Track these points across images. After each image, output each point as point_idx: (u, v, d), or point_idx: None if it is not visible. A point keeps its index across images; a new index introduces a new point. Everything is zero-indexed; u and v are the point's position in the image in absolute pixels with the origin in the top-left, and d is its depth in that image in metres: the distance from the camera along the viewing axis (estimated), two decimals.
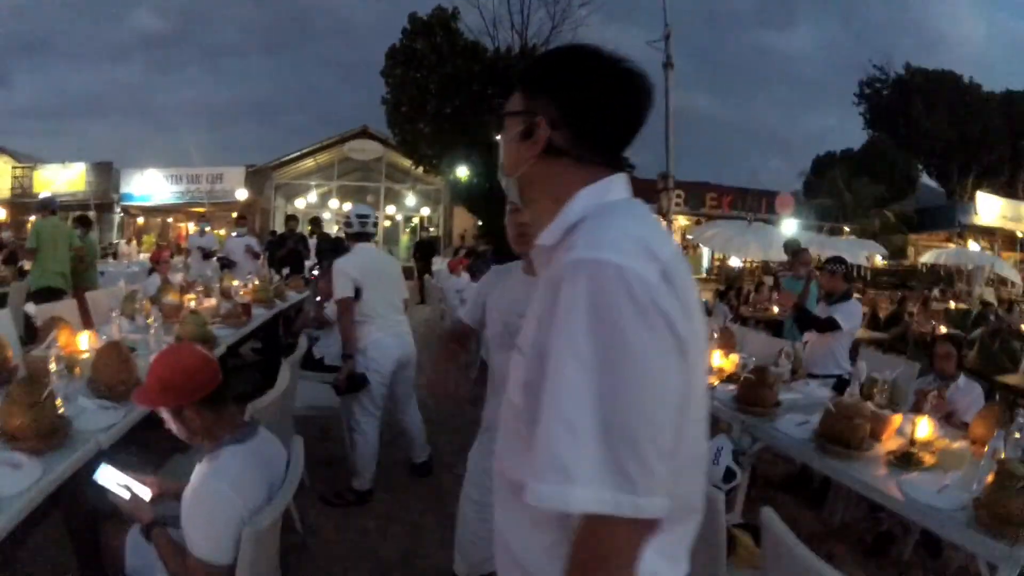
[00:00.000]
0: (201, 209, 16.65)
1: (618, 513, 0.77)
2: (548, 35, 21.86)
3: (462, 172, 19.14)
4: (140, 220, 22.26)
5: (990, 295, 12.34)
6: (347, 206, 24.11)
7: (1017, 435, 2.28)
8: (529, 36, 21.53)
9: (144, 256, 13.02)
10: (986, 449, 2.32)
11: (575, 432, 0.78)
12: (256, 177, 21.11)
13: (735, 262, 19.05)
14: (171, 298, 4.88)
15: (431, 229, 22.93)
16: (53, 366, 2.54)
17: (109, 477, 1.90)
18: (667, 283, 0.83)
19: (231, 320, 4.66)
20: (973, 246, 20.84)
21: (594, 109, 0.99)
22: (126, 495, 1.88)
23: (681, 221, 21.55)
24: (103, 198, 20.08)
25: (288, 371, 3.03)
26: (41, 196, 9.34)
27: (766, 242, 14.07)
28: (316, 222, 11.77)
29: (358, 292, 3.60)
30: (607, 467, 0.77)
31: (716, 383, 3.45)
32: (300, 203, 22.34)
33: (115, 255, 15.18)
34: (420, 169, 22.00)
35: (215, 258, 8.53)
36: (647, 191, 22.20)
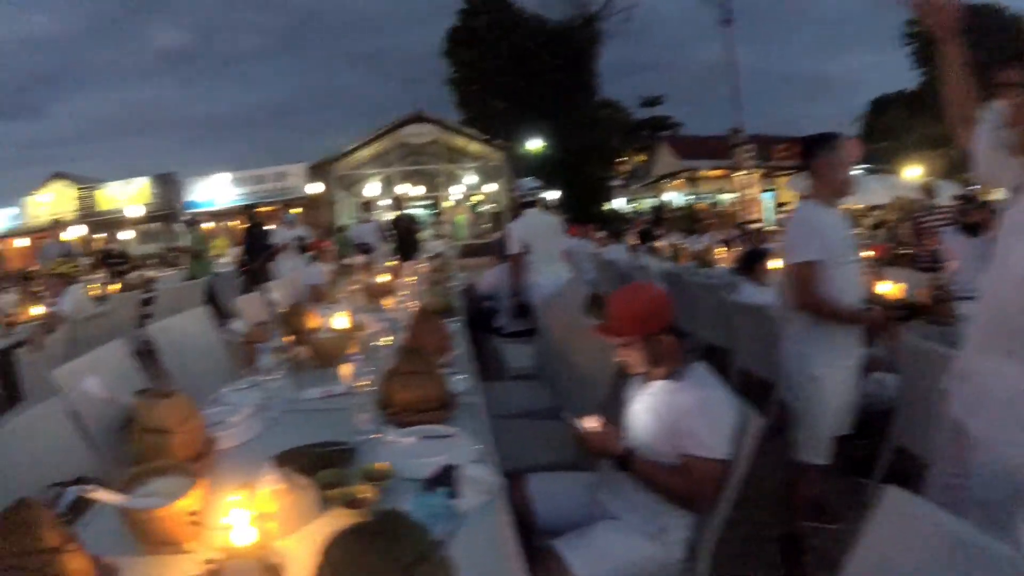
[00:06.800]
0: (271, 208, 16.98)
1: None
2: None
3: (535, 144, 19.26)
4: (208, 225, 22.75)
5: None
6: (420, 189, 24.27)
7: None
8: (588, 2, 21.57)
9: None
10: None
11: None
12: (317, 171, 21.54)
13: None
14: (377, 279, 5.25)
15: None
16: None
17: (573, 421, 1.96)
18: None
19: None
20: None
21: None
22: (596, 428, 1.92)
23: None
24: (167, 208, 21.04)
25: None
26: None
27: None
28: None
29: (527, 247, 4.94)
30: None
31: None
32: (368, 191, 22.59)
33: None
34: (475, 146, 22.35)
35: (355, 244, 8.89)
36: (719, 148, 21.87)
